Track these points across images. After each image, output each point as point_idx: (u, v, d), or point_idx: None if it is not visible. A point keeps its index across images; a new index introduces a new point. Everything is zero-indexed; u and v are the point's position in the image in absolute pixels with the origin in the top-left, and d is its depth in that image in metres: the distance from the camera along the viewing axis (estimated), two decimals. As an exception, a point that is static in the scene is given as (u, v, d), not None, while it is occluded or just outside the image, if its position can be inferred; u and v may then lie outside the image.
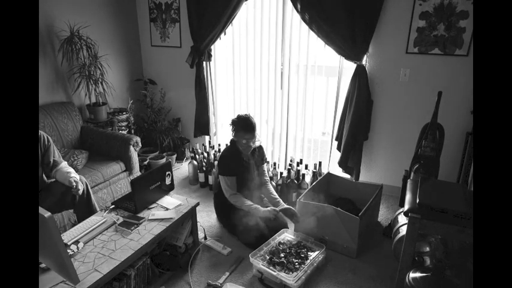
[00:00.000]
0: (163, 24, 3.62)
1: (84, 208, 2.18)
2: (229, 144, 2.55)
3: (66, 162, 2.25)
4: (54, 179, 2.18)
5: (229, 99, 3.65)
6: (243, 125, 2.37)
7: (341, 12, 2.65)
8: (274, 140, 3.56)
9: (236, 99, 3.59)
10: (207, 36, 3.26)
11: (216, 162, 3.14)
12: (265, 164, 2.76)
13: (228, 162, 2.45)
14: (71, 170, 2.17)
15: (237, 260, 2.25)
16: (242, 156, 2.49)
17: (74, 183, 2.03)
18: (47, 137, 2.16)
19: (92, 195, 2.23)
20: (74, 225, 2.20)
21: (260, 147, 2.62)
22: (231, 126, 2.44)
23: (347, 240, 2.29)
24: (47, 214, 1.25)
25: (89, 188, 2.22)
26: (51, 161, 2.13)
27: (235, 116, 2.43)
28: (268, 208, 2.37)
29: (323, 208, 2.33)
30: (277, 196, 2.55)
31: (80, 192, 2.07)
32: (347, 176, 3.09)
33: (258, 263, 2.03)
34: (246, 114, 2.42)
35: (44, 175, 2.18)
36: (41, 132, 2.13)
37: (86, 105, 3.28)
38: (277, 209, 2.37)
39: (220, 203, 2.62)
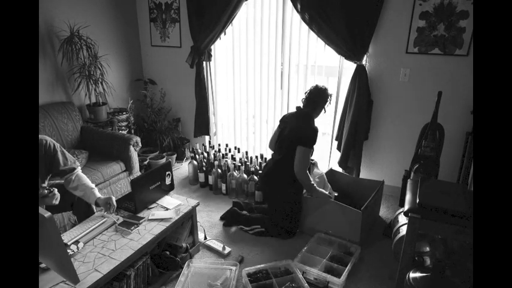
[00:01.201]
0: (163, 24, 3.62)
1: (82, 211, 2.16)
2: (304, 115, 2.45)
3: (79, 169, 2.05)
4: (57, 182, 2.16)
5: (229, 99, 3.65)
6: (327, 96, 2.41)
7: (341, 12, 2.65)
8: (274, 140, 3.56)
9: (236, 99, 3.59)
10: (207, 36, 3.26)
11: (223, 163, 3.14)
12: None
13: (316, 135, 2.39)
14: (92, 185, 2.00)
15: (237, 259, 2.25)
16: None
17: (108, 206, 1.92)
18: (54, 144, 1.90)
19: None
20: (74, 225, 2.20)
21: None
22: (313, 100, 2.42)
23: (350, 234, 2.34)
24: (47, 214, 1.25)
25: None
26: (60, 171, 1.95)
27: (317, 88, 2.41)
28: (326, 192, 2.42)
29: (326, 203, 2.40)
30: None
31: (56, 201, 1.89)
32: (347, 175, 3.10)
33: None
34: (325, 87, 2.43)
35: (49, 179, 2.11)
36: (46, 138, 1.88)
37: (86, 105, 3.28)
38: (332, 196, 2.44)
39: (298, 188, 2.48)
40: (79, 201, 2.12)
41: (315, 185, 2.38)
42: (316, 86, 2.44)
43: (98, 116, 3.24)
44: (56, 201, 1.90)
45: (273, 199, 2.54)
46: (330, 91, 2.45)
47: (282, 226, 2.47)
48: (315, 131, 2.39)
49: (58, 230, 1.33)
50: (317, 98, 2.41)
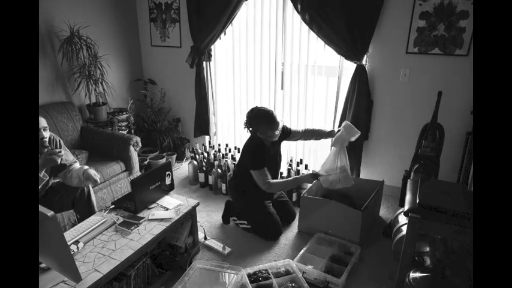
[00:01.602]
0: (163, 24, 3.62)
1: (83, 208, 2.18)
2: (250, 138, 2.45)
3: (78, 162, 2.21)
4: (58, 180, 2.18)
5: (229, 99, 3.65)
6: (268, 120, 2.28)
7: (341, 12, 2.65)
8: (274, 140, 3.57)
9: (236, 99, 3.59)
10: (207, 36, 3.26)
11: (218, 162, 3.14)
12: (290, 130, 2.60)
13: (261, 155, 2.37)
14: (81, 166, 2.13)
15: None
16: (267, 148, 2.44)
17: (94, 176, 2.01)
18: (59, 140, 2.13)
19: (92, 196, 2.22)
20: (74, 225, 2.20)
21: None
22: (249, 125, 2.35)
23: (350, 234, 2.35)
24: (50, 213, 1.25)
25: (91, 188, 2.22)
26: (61, 164, 2.06)
27: (249, 114, 2.33)
28: (307, 174, 2.42)
29: (326, 203, 2.39)
30: (324, 129, 2.63)
31: (98, 179, 2.04)
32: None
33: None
34: (259, 108, 2.33)
35: (51, 176, 2.15)
36: (52, 134, 2.09)
37: (86, 105, 3.28)
38: (316, 171, 2.38)
39: (251, 201, 2.52)
40: (80, 198, 2.13)
41: (290, 178, 2.43)
42: (251, 109, 2.37)
43: (98, 116, 3.24)
44: (59, 160, 1.93)
45: (244, 206, 2.58)
46: (265, 112, 2.30)
47: (261, 230, 2.49)
48: (252, 153, 2.38)
49: (61, 229, 1.34)
50: (248, 121, 2.35)
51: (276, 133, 2.34)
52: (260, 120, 2.30)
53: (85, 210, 2.17)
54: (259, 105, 2.41)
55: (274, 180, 2.38)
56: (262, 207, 2.49)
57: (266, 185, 2.33)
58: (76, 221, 2.27)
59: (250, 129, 2.37)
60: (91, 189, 2.22)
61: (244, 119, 2.38)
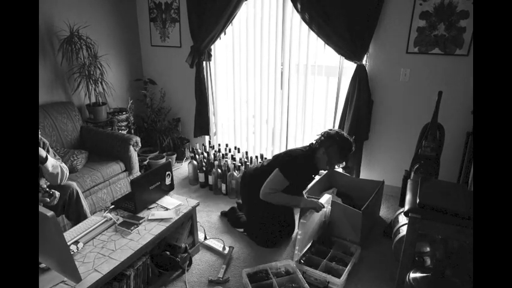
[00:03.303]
0: (163, 24, 3.62)
1: (73, 213, 2.14)
2: (306, 150, 2.29)
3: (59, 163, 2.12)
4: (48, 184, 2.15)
5: (229, 99, 3.65)
6: (348, 149, 2.19)
7: (341, 12, 2.65)
8: (274, 140, 3.56)
9: (236, 99, 3.59)
10: (207, 36, 3.26)
11: (224, 159, 3.14)
12: None
13: (299, 169, 2.24)
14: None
15: (229, 250, 2.26)
16: (314, 171, 2.36)
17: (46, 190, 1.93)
18: (43, 142, 2.05)
19: (82, 200, 2.16)
20: (73, 225, 2.20)
21: None
22: (328, 141, 2.19)
23: (350, 234, 2.35)
24: (50, 213, 1.25)
25: (79, 192, 2.16)
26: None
27: (338, 134, 2.21)
28: (315, 200, 2.17)
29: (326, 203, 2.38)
30: None
31: (55, 201, 1.96)
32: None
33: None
34: (347, 136, 2.23)
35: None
36: (41, 137, 2.04)
37: (86, 105, 3.28)
38: (324, 204, 2.17)
39: (263, 205, 2.32)
40: (69, 202, 2.10)
41: (295, 196, 2.21)
42: (337, 130, 2.26)
43: (98, 116, 3.24)
44: (56, 201, 1.94)
45: (248, 204, 2.50)
46: (345, 140, 2.17)
47: (257, 236, 2.43)
48: (296, 160, 2.22)
49: (60, 229, 1.34)
50: (327, 136, 2.22)
51: (334, 164, 2.26)
52: (342, 143, 2.18)
53: (75, 215, 2.13)
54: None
55: (280, 193, 2.19)
56: (271, 211, 2.35)
57: (270, 193, 2.18)
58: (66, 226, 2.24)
59: (321, 140, 2.22)
60: (80, 193, 2.16)
61: (323, 131, 2.26)
